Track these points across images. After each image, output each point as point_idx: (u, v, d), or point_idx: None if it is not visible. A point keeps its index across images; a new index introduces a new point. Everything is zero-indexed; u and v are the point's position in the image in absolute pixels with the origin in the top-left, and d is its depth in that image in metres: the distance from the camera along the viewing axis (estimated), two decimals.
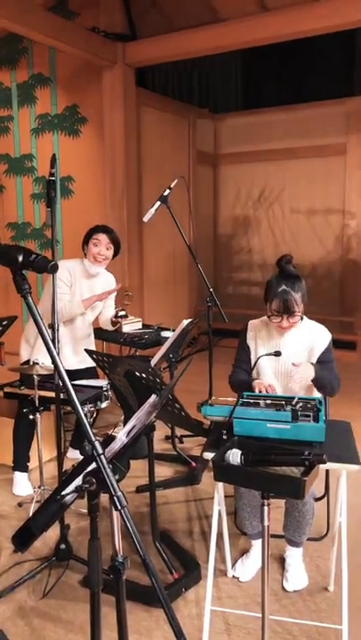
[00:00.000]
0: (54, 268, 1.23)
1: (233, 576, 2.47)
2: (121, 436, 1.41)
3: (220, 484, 2.14)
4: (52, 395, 2.91)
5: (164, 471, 3.48)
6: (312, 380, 2.30)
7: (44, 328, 1.23)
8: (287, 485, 1.54)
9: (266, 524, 1.70)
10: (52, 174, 2.51)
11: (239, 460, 1.67)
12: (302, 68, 7.01)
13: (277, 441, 1.94)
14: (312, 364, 2.32)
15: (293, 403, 2.05)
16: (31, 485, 3.22)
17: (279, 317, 2.34)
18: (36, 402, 2.92)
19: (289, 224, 6.83)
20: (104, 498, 1.28)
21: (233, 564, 2.51)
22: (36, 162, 5.65)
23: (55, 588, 2.40)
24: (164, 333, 3.82)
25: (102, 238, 3.33)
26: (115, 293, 3.63)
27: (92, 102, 5.18)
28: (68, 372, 3.52)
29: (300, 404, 2.06)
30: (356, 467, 1.89)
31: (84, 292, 3.38)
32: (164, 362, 3.01)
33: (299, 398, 2.10)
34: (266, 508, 1.68)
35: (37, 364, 2.90)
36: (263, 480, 1.61)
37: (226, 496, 2.33)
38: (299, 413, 1.97)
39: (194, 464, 3.48)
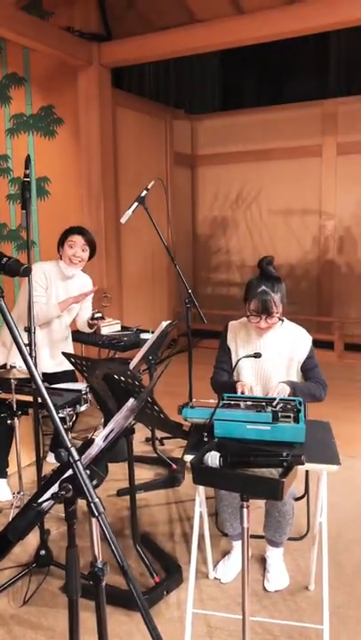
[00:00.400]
0: (27, 271, 1.21)
1: (214, 578, 2.47)
2: (98, 440, 1.40)
3: (201, 487, 2.14)
4: (30, 399, 2.88)
5: (144, 474, 3.46)
6: None
7: (16, 332, 1.21)
8: (265, 487, 1.54)
9: (245, 525, 1.69)
10: (26, 175, 2.48)
11: (218, 463, 1.67)
12: (279, 70, 7.06)
13: (258, 442, 1.94)
14: (288, 382, 2.31)
15: (274, 404, 2.05)
16: (10, 491, 3.18)
17: (257, 318, 2.34)
18: (14, 406, 2.88)
19: (267, 225, 6.87)
20: (84, 503, 1.26)
21: (214, 566, 2.50)
22: (12, 162, 5.58)
23: (36, 594, 2.37)
24: (143, 335, 3.81)
25: (77, 240, 3.30)
26: (92, 295, 3.61)
27: (68, 103, 5.14)
28: (45, 375, 3.48)
29: (281, 404, 2.07)
30: (335, 467, 1.90)
31: (59, 294, 3.35)
32: (143, 364, 3.00)
33: (279, 399, 2.11)
34: (245, 509, 1.67)
35: (14, 367, 2.86)
36: (241, 482, 1.61)
37: (207, 498, 2.33)
38: (279, 414, 1.97)
39: (175, 466, 3.46)
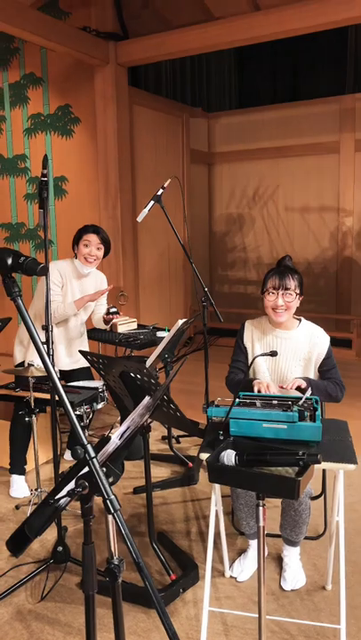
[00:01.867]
0: (44, 271, 1.22)
1: (230, 576, 2.46)
2: (115, 438, 1.40)
3: (217, 485, 2.14)
4: (48, 396, 2.91)
5: (161, 472, 3.47)
6: None
7: (34, 330, 1.22)
8: (281, 486, 1.54)
9: (261, 524, 1.69)
10: (43, 175, 2.50)
11: (234, 461, 1.67)
12: (296, 67, 7.02)
13: (274, 441, 1.93)
14: (305, 378, 2.31)
15: (300, 403, 2.03)
16: (28, 488, 3.21)
17: (274, 295, 2.35)
18: (32, 404, 2.91)
19: (284, 222, 6.83)
20: (101, 500, 1.27)
21: (231, 564, 2.50)
22: (30, 162, 5.63)
23: (53, 590, 2.39)
24: (160, 333, 3.81)
25: (92, 239, 3.32)
26: (107, 292, 3.63)
27: (85, 102, 5.17)
28: (62, 372, 3.51)
29: (306, 404, 2.05)
30: (352, 466, 1.88)
31: (75, 292, 3.37)
32: (159, 362, 3.00)
33: (306, 398, 2.09)
34: (261, 508, 1.67)
35: (32, 365, 2.89)
36: (257, 481, 1.60)
37: (223, 496, 2.33)
38: (306, 413, 1.95)
39: (191, 464, 3.47)
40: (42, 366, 2.89)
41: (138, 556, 1.21)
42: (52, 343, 2.44)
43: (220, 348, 5.68)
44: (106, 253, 3.42)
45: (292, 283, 2.34)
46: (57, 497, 1.24)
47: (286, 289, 2.33)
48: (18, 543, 1.35)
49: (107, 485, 1.16)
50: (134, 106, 5.40)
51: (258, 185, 6.93)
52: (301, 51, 6.72)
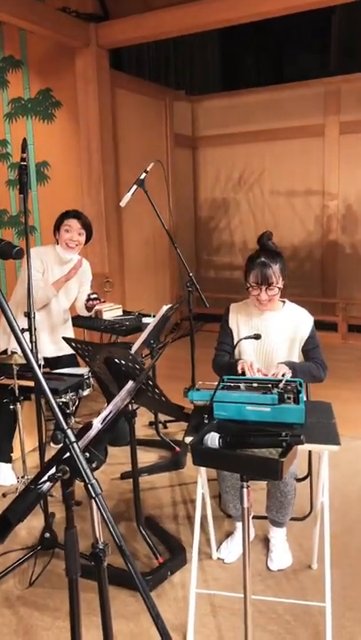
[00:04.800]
0: (19, 254, 1.19)
1: (218, 558, 2.48)
2: (96, 423, 1.40)
3: (203, 468, 2.14)
4: (32, 384, 2.89)
5: (148, 457, 3.48)
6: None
7: (12, 317, 1.20)
8: (264, 467, 1.54)
9: (246, 505, 1.70)
10: (23, 159, 2.45)
11: (217, 444, 1.67)
12: (280, 49, 6.96)
13: (258, 423, 1.94)
14: (288, 363, 2.30)
15: (280, 385, 2.04)
16: (15, 475, 3.20)
17: (258, 290, 2.34)
18: (17, 391, 2.89)
19: (269, 206, 6.81)
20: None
21: (218, 547, 2.52)
22: (11, 147, 5.54)
23: (41, 576, 2.39)
24: (145, 320, 3.80)
25: (73, 224, 3.28)
26: (90, 278, 3.60)
27: (66, 86, 5.08)
28: (47, 359, 3.48)
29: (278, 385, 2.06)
30: (335, 447, 1.90)
31: (56, 277, 3.34)
32: (145, 348, 2.99)
33: (286, 381, 2.10)
34: (245, 490, 1.68)
35: (16, 353, 2.87)
36: (241, 462, 1.60)
37: (210, 479, 2.34)
38: (285, 396, 1.96)
39: (178, 449, 3.48)
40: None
41: (120, 540, 1.21)
42: (35, 330, 2.42)
43: (207, 334, 5.67)
44: (88, 239, 3.38)
45: (274, 276, 2.32)
46: (39, 482, 1.23)
47: (269, 284, 2.33)
48: (0, 529, 1.34)
49: (87, 470, 1.15)
50: (116, 89, 5.32)
51: (243, 169, 6.89)
52: (286, 32, 6.64)
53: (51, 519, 2.58)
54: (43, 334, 3.32)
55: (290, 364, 2.28)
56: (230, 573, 2.39)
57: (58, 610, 2.21)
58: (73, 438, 1.17)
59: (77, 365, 3.44)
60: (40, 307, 3.25)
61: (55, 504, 2.88)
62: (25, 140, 2.56)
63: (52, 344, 3.39)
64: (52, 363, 3.38)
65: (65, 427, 1.16)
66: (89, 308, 3.54)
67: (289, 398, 2.00)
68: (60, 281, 3.27)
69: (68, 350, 3.37)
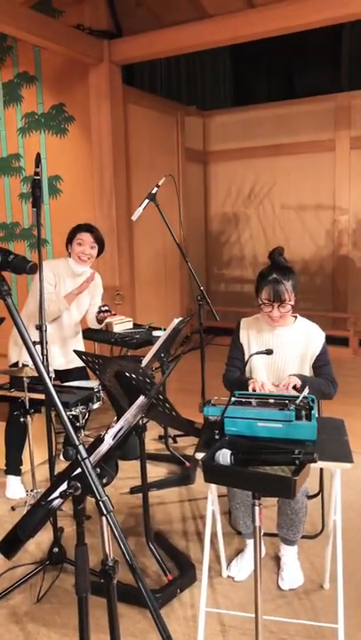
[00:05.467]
0: (33, 269, 1.20)
1: (228, 576, 2.45)
2: (108, 438, 1.39)
3: (214, 485, 2.12)
4: (43, 397, 2.89)
5: (157, 471, 3.46)
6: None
7: (24, 330, 1.20)
8: (277, 485, 1.52)
9: (257, 524, 1.67)
10: (36, 173, 2.48)
11: (229, 460, 1.65)
12: (291, 65, 7.01)
13: (269, 440, 1.92)
14: (299, 376, 2.29)
15: (297, 402, 2.01)
16: (24, 488, 3.19)
17: (270, 307, 2.33)
18: (27, 404, 2.89)
19: (280, 220, 6.82)
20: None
21: (228, 564, 2.49)
22: (24, 161, 5.60)
23: (49, 592, 2.37)
24: (156, 333, 3.79)
25: (86, 238, 3.30)
26: (101, 292, 3.60)
27: (79, 101, 5.15)
28: (57, 372, 3.48)
29: (302, 402, 2.03)
30: (348, 465, 1.87)
31: (68, 290, 3.35)
32: (155, 362, 2.99)
33: (302, 397, 2.07)
34: (257, 508, 1.65)
35: (27, 365, 2.87)
36: (253, 480, 1.58)
37: (220, 495, 2.31)
38: (303, 412, 1.93)
39: (188, 464, 3.45)
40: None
41: (131, 558, 1.19)
42: (46, 343, 2.42)
43: (217, 347, 5.66)
44: (100, 252, 3.40)
45: (286, 293, 2.30)
46: (49, 498, 1.22)
47: (282, 301, 2.31)
48: (10, 545, 1.33)
49: (99, 487, 1.14)
50: (129, 104, 5.38)
51: (254, 183, 6.91)
52: (297, 49, 6.70)
53: (59, 533, 2.56)
54: (53, 347, 3.32)
55: (301, 377, 2.26)
56: (241, 592, 2.35)
57: (65, 626, 2.19)
58: (85, 454, 1.16)
59: (87, 378, 3.44)
60: (51, 319, 3.26)
61: (64, 518, 2.86)
62: (39, 154, 2.59)
63: (62, 357, 3.39)
64: (62, 375, 3.39)
65: (77, 442, 1.15)
66: (100, 320, 3.54)
67: (304, 415, 1.98)
68: (72, 294, 3.28)
69: (78, 363, 3.37)
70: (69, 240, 3.35)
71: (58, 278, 3.31)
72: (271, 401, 2.08)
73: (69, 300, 3.28)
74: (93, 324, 3.63)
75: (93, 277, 3.35)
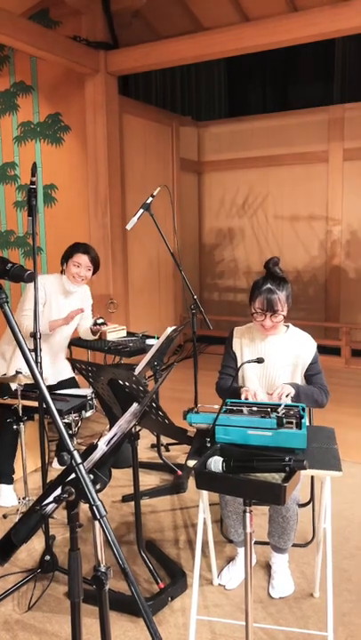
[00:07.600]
0: (31, 277, 1.22)
1: (219, 584, 2.46)
2: (101, 445, 1.40)
3: (205, 492, 2.13)
4: (36, 404, 2.89)
5: (150, 480, 3.46)
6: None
7: (21, 337, 1.22)
8: (267, 492, 1.54)
9: (248, 530, 1.69)
10: (32, 182, 2.50)
11: (221, 468, 1.67)
12: (285, 77, 7.10)
13: (260, 448, 1.94)
14: (292, 384, 2.32)
15: (279, 410, 2.05)
16: (16, 496, 3.19)
17: (262, 316, 2.35)
18: (20, 412, 2.89)
19: (273, 231, 6.88)
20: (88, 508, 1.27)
21: (219, 572, 2.50)
22: (19, 170, 5.63)
23: (40, 600, 2.37)
24: (149, 341, 3.82)
25: (83, 261, 3.32)
26: (91, 302, 3.62)
27: (75, 110, 5.19)
28: (47, 386, 3.49)
29: (284, 410, 2.06)
30: (338, 473, 1.89)
31: (61, 307, 3.36)
32: (148, 370, 3.00)
33: (284, 405, 2.10)
34: (248, 514, 1.67)
35: (20, 373, 2.88)
36: (244, 487, 1.60)
37: (212, 504, 2.33)
38: (284, 420, 1.97)
39: (180, 472, 3.46)
40: (30, 374, 2.88)
41: (124, 563, 1.20)
42: (40, 351, 2.44)
43: (210, 356, 5.68)
44: (94, 272, 3.42)
45: (279, 303, 2.32)
46: (43, 503, 1.24)
47: (274, 311, 2.34)
48: (3, 551, 1.34)
49: (93, 492, 1.16)
50: (124, 114, 5.43)
51: (247, 194, 6.97)
52: (291, 61, 6.80)
53: (51, 541, 2.56)
54: (44, 359, 3.33)
55: (294, 385, 2.29)
56: (231, 600, 2.36)
57: (56, 634, 2.19)
58: (79, 460, 1.17)
59: (77, 388, 3.45)
60: (27, 333, 3.24)
61: (55, 526, 2.86)
62: (35, 164, 2.61)
63: (51, 369, 3.40)
64: (51, 388, 3.38)
65: (71, 448, 1.17)
66: (94, 333, 3.57)
67: (290, 423, 2.01)
68: (56, 322, 3.26)
69: (66, 375, 3.40)
70: (65, 258, 3.37)
71: (49, 296, 3.31)
72: (258, 409, 2.11)
73: (52, 326, 3.25)
74: (86, 336, 3.65)
75: (83, 311, 3.37)
